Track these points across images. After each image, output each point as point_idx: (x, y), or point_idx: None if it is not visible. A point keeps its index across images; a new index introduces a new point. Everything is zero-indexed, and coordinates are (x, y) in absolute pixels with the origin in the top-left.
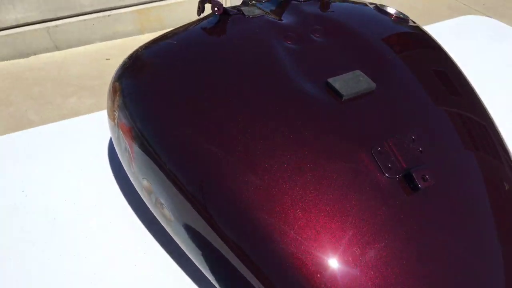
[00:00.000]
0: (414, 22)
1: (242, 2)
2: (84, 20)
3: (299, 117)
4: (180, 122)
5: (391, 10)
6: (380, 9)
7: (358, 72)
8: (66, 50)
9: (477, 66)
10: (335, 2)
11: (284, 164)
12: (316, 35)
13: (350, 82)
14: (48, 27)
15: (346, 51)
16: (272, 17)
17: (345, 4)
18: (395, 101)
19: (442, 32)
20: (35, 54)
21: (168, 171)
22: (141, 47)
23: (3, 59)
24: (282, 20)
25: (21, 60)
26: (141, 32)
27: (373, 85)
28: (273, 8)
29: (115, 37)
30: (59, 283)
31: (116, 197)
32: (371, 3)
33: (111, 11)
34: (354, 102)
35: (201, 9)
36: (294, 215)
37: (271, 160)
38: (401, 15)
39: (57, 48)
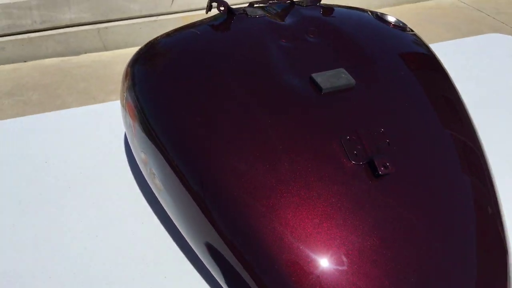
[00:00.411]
0: (412, 31)
1: (249, 4)
2: (133, 23)
3: (279, 106)
4: (175, 104)
5: (390, 18)
6: (379, 16)
7: (341, 69)
8: (114, 50)
9: (494, 83)
10: (337, 7)
11: (261, 146)
12: (311, 36)
13: (332, 78)
14: (98, 28)
15: (336, 51)
16: (273, 18)
17: (345, 10)
18: (372, 98)
19: (463, 49)
20: (85, 53)
21: (160, 146)
22: (155, 39)
23: (56, 56)
24: (282, 22)
25: (72, 58)
26: None
27: (352, 82)
28: (276, 10)
29: None
30: (68, 235)
31: (123, 172)
32: (372, 11)
33: (158, 16)
34: (332, 96)
35: (208, 8)
36: (265, 194)
37: (250, 141)
38: (400, 24)
39: (106, 48)
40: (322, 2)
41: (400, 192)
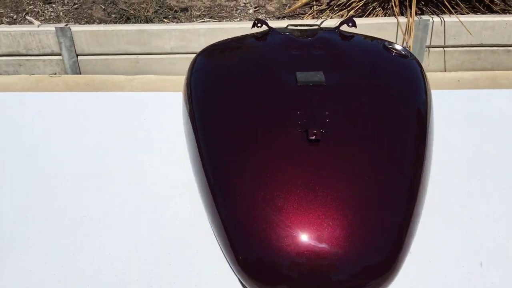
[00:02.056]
0: (416, 59)
1: (287, 26)
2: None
3: (269, 91)
4: (211, 98)
5: (397, 46)
6: (385, 44)
7: (320, 72)
8: None
9: None
10: (351, 34)
11: (248, 116)
12: (317, 50)
13: (309, 76)
14: None
15: (328, 60)
16: (295, 36)
17: (355, 36)
18: (333, 94)
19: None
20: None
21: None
22: (213, 44)
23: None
24: (300, 39)
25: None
26: None
27: (323, 80)
28: (302, 31)
29: None
30: (78, 196)
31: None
32: (384, 40)
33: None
34: (304, 87)
35: (253, 25)
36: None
37: (240, 114)
38: (403, 52)
39: None
40: (342, 29)
41: (323, 154)
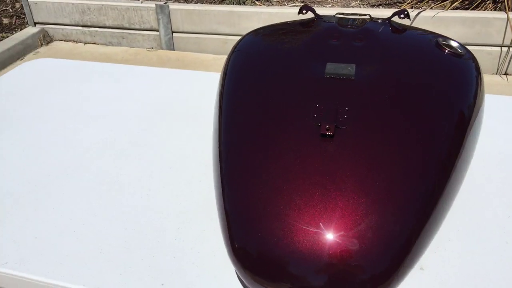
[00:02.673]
0: (474, 59)
1: (336, 13)
2: None
3: (293, 79)
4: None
5: (453, 43)
6: (439, 40)
7: (351, 65)
8: None
9: None
10: (403, 26)
11: (266, 105)
12: (358, 41)
13: (339, 68)
14: None
15: (367, 54)
16: (341, 26)
17: (409, 29)
18: (361, 87)
19: None
20: None
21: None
22: (259, 28)
23: None
24: (346, 29)
25: None
26: None
27: (352, 74)
28: (351, 21)
29: None
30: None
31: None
32: (439, 35)
33: None
34: (331, 79)
35: (300, 11)
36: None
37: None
38: (459, 50)
39: None
40: (395, 20)
41: (335, 150)
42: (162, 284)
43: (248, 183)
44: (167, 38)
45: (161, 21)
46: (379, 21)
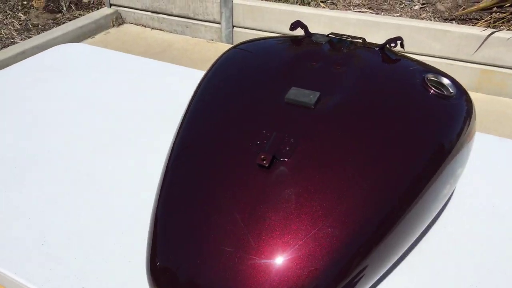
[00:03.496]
0: (467, 99)
1: (329, 33)
2: None
3: (252, 102)
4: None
5: (445, 80)
6: (428, 77)
7: (315, 93)
8: None
9: None
10: (396, 56)
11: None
12: (336, 67)
13: (300, 95)
14: None
15: (342, 82)
16: (327, 47)
17: (399, 59)
18: (318, 119)
19: None
20: None
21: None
22: (245, 41)
23: None
24: (330, 51)
25: None
26: (476, 90)
27: (311, 104)
28: (338, 43)
29: None
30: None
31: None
32: (434, 71)
33: (454, 61)
34: (288, 105)
35: (292, 28)
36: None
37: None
38: (449, 88)
39: None
40: (389, 47)
41: (269, 180)
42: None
43: (177, 204)
44: (228, 32)
45: (223, 15)
46: (372, 47)
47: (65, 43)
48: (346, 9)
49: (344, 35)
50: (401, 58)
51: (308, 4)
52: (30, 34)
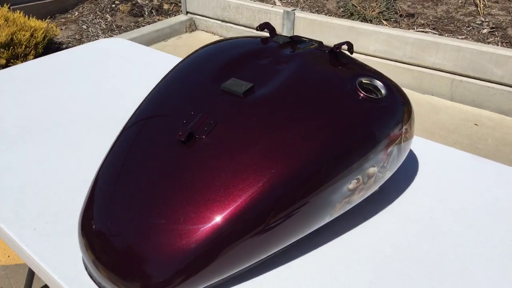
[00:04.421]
0: (399, 103)
1: (294, 36)
2: (487, 86)
3: (193, 90)
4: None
5: (377, 83)
6: (360, 81)
7: (249, 84)
8: (456, 103)
9: None
10: (348, 62)
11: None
12: (281, 64)
13: (234, 85)
14: (453, 79)
15: (279, 77)
16: (282, 46)
17: (345, 66)
18: (244, 106)
19: None
20: (432, 95)
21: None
22: (215, 41)
23: None
24: (283, 50)
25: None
26: None
27: (241, 92)
28: (294, 43)
29: (508, 113)
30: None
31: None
32: (375, 75)
33: None
34: (221, 94)
35: (260, 28)
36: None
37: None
38: (383, 91)
39: (451, 99)
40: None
41: (183, 156)
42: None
43: (106, 171)
44: None
45: (285, 27)
46: (324, 49)
47: (141, 43)
48: (408, 28)
49: (305, 38)
50: (348, 62)
51: (370, 21)
52: (113, 33)
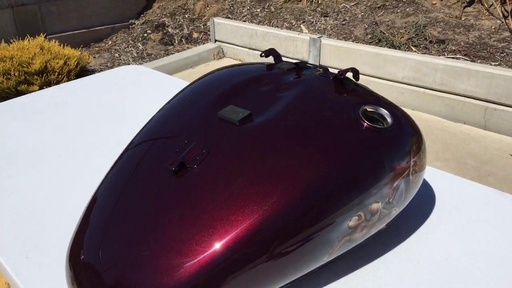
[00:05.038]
0: (408, 133)
1: (299, 62)
2: None
3: (191, 117)
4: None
5: (383, 112)
6: (365, 110)
7: (246, 111)
8: (490, 132)
9: None
10: (353, 89)
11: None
12: (282, 92)
13: (231, 113)
14: (487, 107)
15: (279, 105)
16: (286, 73)
17: (350, 93)
18: (239, 135)
19: None
20: (464, 123)
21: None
22: (220, 68)
23: (438, 115)
24: (286, 77)
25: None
26: None
27: (237, 120)
28: (299, 69)
29: None
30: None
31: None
32: (381, 102)
33: None
34: (218, 121)
35: (265, 55)
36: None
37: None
38: (389, 121)
39: (485, 127)
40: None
41: (172, 186)
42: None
43: (96, 204)
44: None
45: (311, 54)
46: (328, 76)
47: (169, 70)
48: (439, 55)
49: (311, 64)
50: (353, 89)
51: (399, 48)
52: (143, 61)
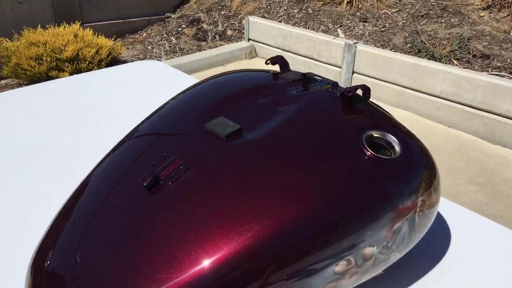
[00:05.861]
0: (419, 164)
1: (307, 73)
2: None
3: (178, 128)
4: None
5: (390, 139)
6: (371, 135)
7: (236, 125)
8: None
9: None
10: (363, 108)
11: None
12: (281, 106)
13: (219, 126)
14: None
15: (275, 121)
16: (291, 85)
17: (359, 113)
18: (224, 151)
19: None
20: (503, 146)
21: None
22: (222, 72)
23: (475, 135)
24: (291, 89)
25: (489, 144)
26: None
27: (223, 135)
28: (307, 82)
29: None
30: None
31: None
32: (388, 127)
33: None
34: (205, 134)
35: (271, 62)
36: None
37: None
38: (397, 150)
39: None
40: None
41: (146, 200)
42: None
43: (68, 207)
44: (347, 77)
45: (345, 60)
46: (337, 92)
47: (200, 66)
48: (482, 70)
49: (319, 76)
50: (361, 109)
51: (439, 60)
52: (175, 55)
